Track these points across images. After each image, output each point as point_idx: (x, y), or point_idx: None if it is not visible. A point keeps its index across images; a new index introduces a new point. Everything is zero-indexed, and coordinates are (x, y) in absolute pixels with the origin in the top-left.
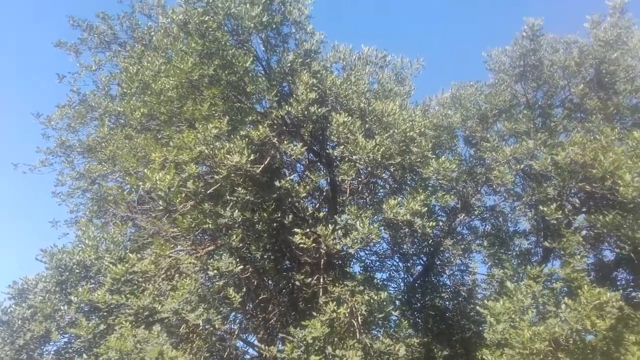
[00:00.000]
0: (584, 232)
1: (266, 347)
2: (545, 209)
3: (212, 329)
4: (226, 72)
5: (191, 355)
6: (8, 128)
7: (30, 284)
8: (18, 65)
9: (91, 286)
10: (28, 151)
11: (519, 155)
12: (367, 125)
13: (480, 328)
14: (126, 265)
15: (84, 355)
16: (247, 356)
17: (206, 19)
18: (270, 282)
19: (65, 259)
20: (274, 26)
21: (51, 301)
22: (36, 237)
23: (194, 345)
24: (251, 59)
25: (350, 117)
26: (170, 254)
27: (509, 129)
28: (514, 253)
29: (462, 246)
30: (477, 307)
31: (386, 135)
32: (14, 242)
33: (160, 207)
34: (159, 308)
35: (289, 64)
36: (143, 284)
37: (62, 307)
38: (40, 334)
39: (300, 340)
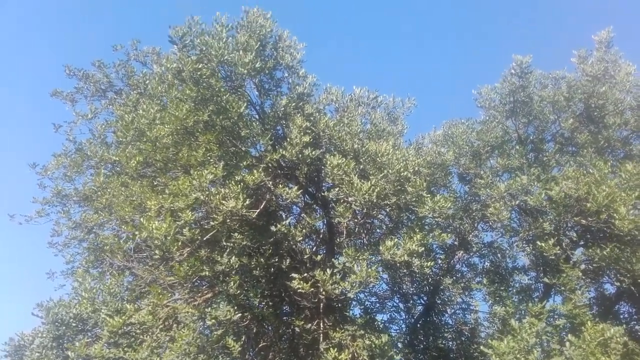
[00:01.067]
0: (582, 266)
1: None
2: (542, 244)
3: None
4: (221, 117)
5: None
6: (4, 179)
7: (26, 340)
8: (14, 115)
9: (88, 340)
10: (24, 202)
11: (514, 191)
12: (361, 166)
13: None
14: (123, 317)
15: None
16: None
17: (200, 66)
18: (269, 329)
19: (61, 312)
20: (267, 71)
21: (48, 357)
22: (34, 289)
23: None
24: (245, 104)
25: (344, 159)
26: (167, 303)
27: (502, 165)
28: (514, 290)
29: (462, 284)
30: (481, 347)
31: (381, 175)
32: (11, 294)
33: (157, 256)
34: None
35: (282, 108)
36: (141, 336)
37: None
38: None
39: None
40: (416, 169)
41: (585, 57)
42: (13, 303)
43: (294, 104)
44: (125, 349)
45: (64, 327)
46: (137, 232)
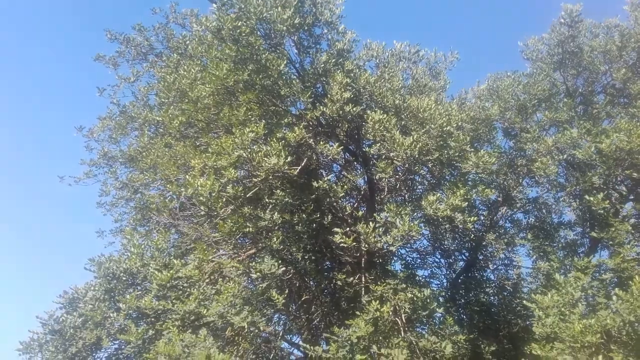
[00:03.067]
0: (632, 221)
1: (311, 347)
2: (591, 198)
3: (257, 331)
4: (260, 76)
5: (237, 358)
6: (53, 142)
7: (80, 293)
8: (60, 80)
9: (138, 293)
10: (73, 164)
11: (562, 145)
12: (402, 122)
13: (528, 322)
14: (171, 271)
15: None
16: (292, 357)
17: (239, 24)
18: (312, 283)
19: (112, 267)
20: (306, 28)
21: (100, 309)
22: (85, 247)
23: (240, 347)
24: (285, 62)
25: (385, 115)
26: (213, 259)
27: (549, 118)
28: (559, 245)
29: (505, 240)
30: (524, 301)
31: (423, 131)
32: (63, 251)
33: (202, 213)
34: (204, 312)
35: (322, 65)
36: (188, 289)
37: (111, 315)
38: (91, 342)
39: (345, 339)
40: (459, 124)
41: (638, 4)
42: (66, 260)
43: (333, 60)
44: (174, 301)
45: (114, 281)
46: (182, 190)
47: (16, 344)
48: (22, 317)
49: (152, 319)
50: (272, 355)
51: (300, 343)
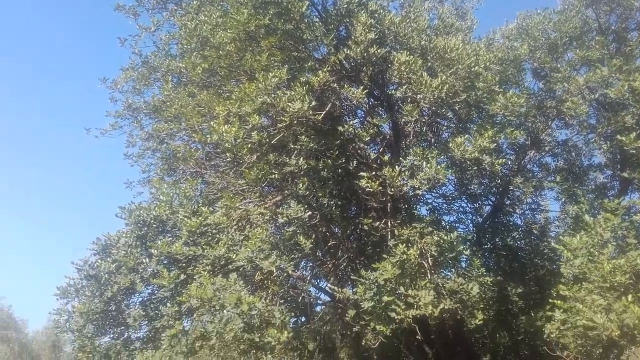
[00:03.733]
0: None
1: (339, 289)
2: (623, 138)
3: (285, 275)
4: (282, 20)
5: (267, 301)
6: (78, 94)
7: (112, 240)
8: (81, 32)
9: (169, 239)
10: (99, 115)
11: (593, 84)
12: (429, 64)
13: (555, 265)
14: (200, 218)
15: (168, 304)
16: (320, 301)
17: None
18: (338, 229)
19: (142, 214)
20: None
21: (133, 255)
22: (114, 197)
23: (269, 291)
24: (306, 4)
25: (411, 56)
26: (240, 206)
27: (580, 57)
28: (589, 187)
29: (533, 183)
30: (552, 244)
31: (450, 72)
32: (93, 202)
33: (228, 160)
34: (233, 257)
35: (345, 6)
36: (217, 235)
37: (144, 260)
38: (125, 286)
39: (372, 282)
40: (487, 64)
41: None
42: (99, 208)
43: (356, 0)
44: (204, 246)
45: (145, 228)
46: (207, 138)
47: (54, 289)
48: (60, 264)
49: (184, 264)
50: (300, 299)
51: (329, 286)
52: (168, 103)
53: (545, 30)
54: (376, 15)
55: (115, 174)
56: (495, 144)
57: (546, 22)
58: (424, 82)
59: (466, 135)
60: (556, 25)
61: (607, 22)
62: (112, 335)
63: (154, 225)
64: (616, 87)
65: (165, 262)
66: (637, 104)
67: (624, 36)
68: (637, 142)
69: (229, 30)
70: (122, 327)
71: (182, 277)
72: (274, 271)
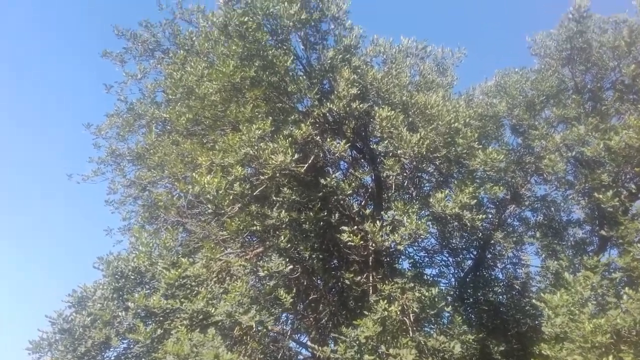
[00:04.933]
0: None
1: (319, 348)
2: (600, 196)
3: (265, 330)
4: (267, 72)
5: (246, 357)
6: (61, 140)
7: (88, 292)
8: (67, 78)
9: (147, 292)
10: (81, 162)
11: (570, 142)
12: (410, 119)
13: (537, 322)
14: (179, 270)
15: None
16: (301, 357)
17: (245, 20)
18: (319, 282)
19: (120, 266)
20: (312, 23)
21: (109, 308)
22: (93, 245)
23: (248, 347)
24: (291, 58)
25: (393, 111)
26: (220, 257)
27: (557, 115)
28: (568, 243)
29: (514, 238)
30: (533, 301)
31: (430, 127)
32: (73, 251)
33: (209, 211)
34: (212, 311)
35: (329, 61)
36: (196, 288)
37: (120, 314)
38: (100, 341)
39: (353, 339)
40: (467, 120)
41: None
42: (75, 258)
43: (340, 56)
44: (182, 300)
45: (123, 280)
46: (190, 187)
47: (26, 343)
48: (32, 317)
49: (161, 318)
50: (280, 354)
51: (308, 343)
52: (151, 150)
53: (522, 88)
54: (359, 70)
55: (95, 222)
56: (475, 200)
57: (523, 80)
58: (404, 138)
59: (447, 191)
60: (533, 83)
61: (583, 81)
62: None
63: (132, 277)
64: (592, 146)
65: (142, 315)
66: (613, 162)
67: (600, 95)
68: (614, 200)
69: (214, 82)
70: None
71: (159, 331)
72: (254, 326)
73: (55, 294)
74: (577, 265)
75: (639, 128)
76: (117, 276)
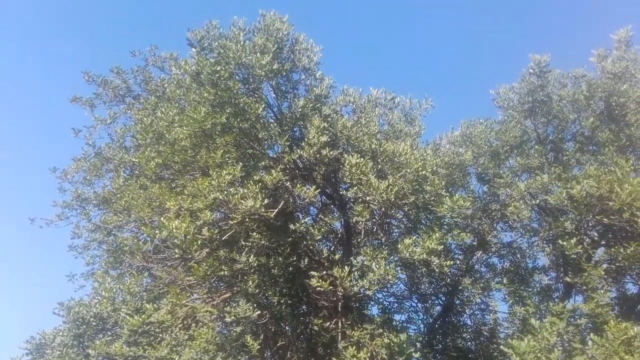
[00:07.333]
0: (604, 266)
1: None
2: (564, 243)
3: None
4: (238, 119)
5: None
6: (25, 183)
7: (47, 339)
8: (35, 121)
9: (108, 339)
10: (45, 206)
11: (534, 191)
12: (379, 166)
13: None
14: (143, 316)
15: None
16: None
17: (218, 68)
18: (287, 328)
19: (82, 312)
20: (284, 73)
21: (69, 355)
22: (54, 291)
23: None
24: (262, 106)
25: (362, 159)
26: (186, 303)
27: (521, 164)
28: (534, 289)
29: (481, 284)
30: (501, 347)
31: (399, 175)
32: (32, 296)
33: (176, 256)
34: (176, 359)
35: (300, 109)
36: (160, 335)
37: None
38: None
39: None
40: (434, 168)
41: (604, 55)
42: (34, 304)
43: (311, 105)
44: (145, 347)
45: (84, 326)
46: (157, 232)
47: None
48: None
49: None
50: None
51: None
52: (118, 195)
53: (487, 138)
54: (329, 119)
55: (57, 267)
56: (442, 246)
57: (488, 131)
58: (373, 185)
59: (414, 237)
60: (497, 134)
61: (545, 132)
62: None
63: (94, 323)
64: (555, 194)
65: None
66: (576, 210)
67: (561, 146)
68: (577, 248)
69: (185, 127)
70: None
71: None
72: None
73: (13, 341)
74: (543, 312)
75: (599, 178)
76: (78, 322)
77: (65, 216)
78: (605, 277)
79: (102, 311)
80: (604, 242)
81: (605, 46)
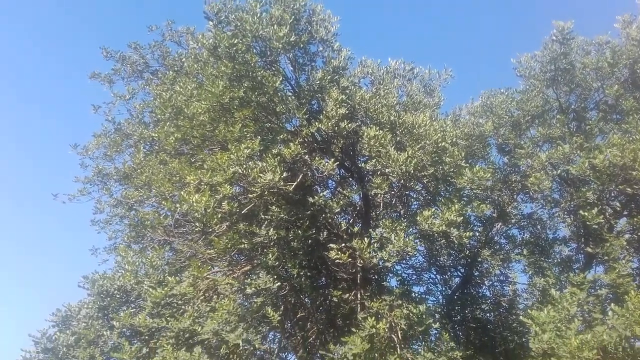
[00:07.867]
0: (627, 236)
1: None
2: (585, 213)
3: (252, 348)
4: (256, 93)
5: None
6: (47, 160)
7: (73, 311)
8: (55, 98)
9: (132, 311)
10: (67, 181)
11: (555, 161)
12: (397, 138)
13: (524, 339)
14: (165, 288)
15: None
16: None
17: (235, 42)
18: (307, 300)
19: (106, 284)
20: (301, 45)
21: (94, 327)
22: (78, 264)
23: None
24: (280, 79)
25: (380, 131)
26: (207, 276)
27: (543, 134)
28: (555, 261)
29: (501, 256)
30: (520, 317)
31: (418, 147)
32: (58, 270)
33: (197, 229)
34: (199, 330)
35: (317, 82)
36: (182, 307)
37: (105, 333)
38: None
39: (341, 357)
40: (454, 140)
41: (629, 22)
42: (59, 278)
43: (329, 77)
44: (168, 318)
45: (108, 299)
46: (177, 206)
47: None
48: (15, 336)
49: (146, 337)
50: None
51: None
52: (139, 170)
53: (508, 108)
54: (347, 91)
55: (81, 242)
56: (462, 217)
57: (509, 101)
58: (392, 157)
59: (433, 209)
60: (519, 104)
61: (567, 101)
62: None
63: (118, 296)
64: (577, 164)
65: (127, 334)
66: (598, 180)
67: (584, 115)
68: (599, 218)
69: (203, 102)
70: None
71: (144, 350)
72: (240, 345)
73: (39, 313)
74: (563, 282)
75: (622, 147)
76: (102, 295)
77: (87, 192)
78: (627, 247)
79: (125, 284)
80: (626, 212)
81: (630, 12)
